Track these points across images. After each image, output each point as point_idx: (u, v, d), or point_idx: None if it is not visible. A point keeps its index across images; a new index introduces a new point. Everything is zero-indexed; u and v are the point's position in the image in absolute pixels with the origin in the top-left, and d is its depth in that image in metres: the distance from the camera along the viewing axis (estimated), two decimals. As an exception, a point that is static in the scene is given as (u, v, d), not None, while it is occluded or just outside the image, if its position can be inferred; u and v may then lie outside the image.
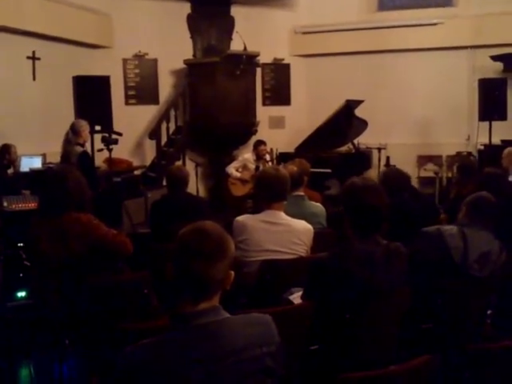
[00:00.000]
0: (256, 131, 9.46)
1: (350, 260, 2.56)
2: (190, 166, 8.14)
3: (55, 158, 6.88)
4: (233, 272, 1.82)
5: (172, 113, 9.38)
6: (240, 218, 3.55)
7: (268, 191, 3.53)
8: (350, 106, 8.61)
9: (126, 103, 9.65)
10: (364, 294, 2.54)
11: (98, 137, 6.84)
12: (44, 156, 7.52)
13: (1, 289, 4.70)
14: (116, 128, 7.11)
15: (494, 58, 8.96)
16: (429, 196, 5.54)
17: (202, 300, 1.76)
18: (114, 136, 6.79)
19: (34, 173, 6.82)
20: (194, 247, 1.74)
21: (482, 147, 8.80)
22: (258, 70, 9.89)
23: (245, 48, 8.94)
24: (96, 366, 3.08)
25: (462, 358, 2.40)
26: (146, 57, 9.69)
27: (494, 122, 8.31)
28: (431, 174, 9.65)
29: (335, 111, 8.71)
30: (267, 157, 8.40)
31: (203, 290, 1.76)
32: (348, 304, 2.56)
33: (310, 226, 3.54)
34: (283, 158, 8.67)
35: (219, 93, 8.99)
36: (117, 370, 1.71)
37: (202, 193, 9.03)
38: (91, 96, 6.99)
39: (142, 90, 9.76)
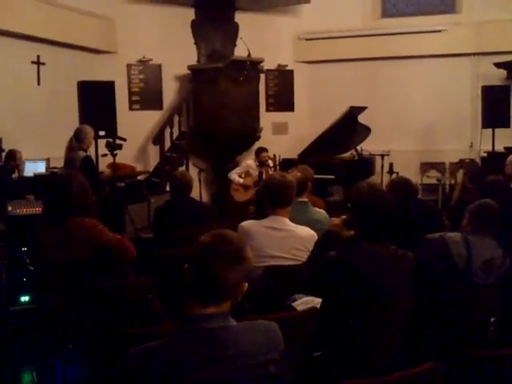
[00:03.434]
0: (259, 137, 9.47)
1: (358, 260, 2.57)
2: (193, 172, 8.15)
3: (59, 162, 6.90)
4: (246, 284, 1.84)
5: (176, 118, 9.39)
6: (244, 224, 3.57)
7: (273, 197, 3.56)
8: (354, 112, 8.63)
9: (130, 108, 9.66)
10: (369, 296, 2.55)
11: (102, 142, 6.85)
12: (48, 160, 7.53)
13: (4, 293, 4.70)
14: (120, 133, 7.13)
15: (498, 66, 8.96)
16: (434, 208, 5.52)
17: (211, 303, 1.77)
18: (118, 141, 6.80)
19: (37, 177, 6.83)
20: (212, 249, 1.78)
21: (485, 154, 8.79)
22: (262, 76, 9.90)
23: (249, 54, 8.96)
24: (99, 371, 3.08)
25: (465, 364, 2.40)
26: (150, 62, 9.70)
27: (497, 130, 8.31)
28: (434, 181, 9.64)
29: (338, 117, 8.73)
30: (270, 163, 8.40)
31: (214, 294, 1.77)
32: (353, 306, 2.57)
33: (313, 233, 3.55)
34: (286, 164, 8.68)
35: (223, 99, 9.01)
36: (122, 371, 1.72)
37: (204, 198, 9.02)
38: (95, 101, 7.01)
39: (146, 96, 9.78)
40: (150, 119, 9.68)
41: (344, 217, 2.96)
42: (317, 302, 3.01)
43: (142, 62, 9.68)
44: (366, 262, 2.56)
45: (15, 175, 6.71)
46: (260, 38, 9.63)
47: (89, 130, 6.29)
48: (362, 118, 8.76)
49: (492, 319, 3.28)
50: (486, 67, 9.26)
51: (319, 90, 10.56)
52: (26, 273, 4.60)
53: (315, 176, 4.85)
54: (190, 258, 1.81)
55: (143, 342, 1.77)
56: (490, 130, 8.36)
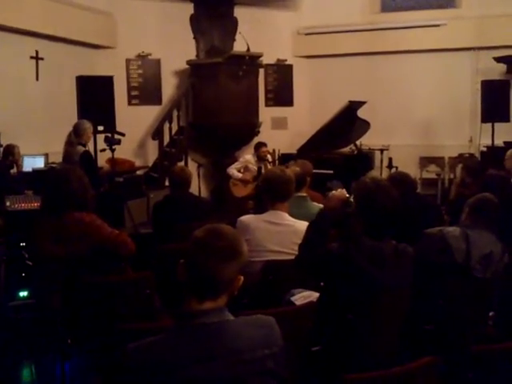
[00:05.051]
0: (258, 132, 9.47)
1: (360, 255, 2.56)
2: (192, 167, 8.15)
3: (58, 157, 6.89)
4: (242, 277, 1.83)
5: (175, 113, 9.37)
6: (243, 218, 3.57)
7: (272, 191, 3.57)
8: (353, 107, 8.61)
9: (129, 103, 9.65)
10: (370, 291, 2.54)
11: (100, 137, 6.84)
12: (46, 156, 7.52)
13: (3, 288, 4.70)
14: (119, 128, 7.12)
15: (498, 60, 8.94)
16: (433, 202, 5.52)
17: (207, 299, 1.77)
18: (116, 136, 6.80)
19: (36, 173, 6.82)
20: (207, 245, 1.77)
21: (485, 149, 8.78)
22: (261, 71, 9.89)
23: (248, 49, 8.95)
24: (98, 366, 3.08)
25: (464, 359, 2.40)
26: (149, 57, 9.69)
27: (496, 124, 8.30)
28: (433, 176, 9.64)
29: (338, 112, 8.71)
30: (269, 158, 8.39)
31: (210, 289, 1.77)
32: (353, 301, 2.56)
33: (312, 227, 3.54)
34: (285, 158, 8.67)
35: (222, 93, 9.00)
36: (120, 368, 1.72)
37: (203, 193, 9.02)
38: (94, 96, 6.98)
39: (145, 91, 9.76)
40: (148, 114, 9.66)
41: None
42: (315, 296, 3.02)
43: (141, 57, 9.67)
44: (369, 260, 2.55)
45: (14, 170, 6.70)
46: (259, 33, 9.61)
47: (87, 125, 6.29)
48: (361, 113, 8.75)
49: (491, 313, 3.28)
50: (485, 61, 9.24)
51: (318, 85, 10.54)
52: (25, 268, 4.59)
53: (314, 171, 4.86)
54: (185, 253, 1.80)
55: (142, 337, 1.77)
56: (489, 125, 8.35)
